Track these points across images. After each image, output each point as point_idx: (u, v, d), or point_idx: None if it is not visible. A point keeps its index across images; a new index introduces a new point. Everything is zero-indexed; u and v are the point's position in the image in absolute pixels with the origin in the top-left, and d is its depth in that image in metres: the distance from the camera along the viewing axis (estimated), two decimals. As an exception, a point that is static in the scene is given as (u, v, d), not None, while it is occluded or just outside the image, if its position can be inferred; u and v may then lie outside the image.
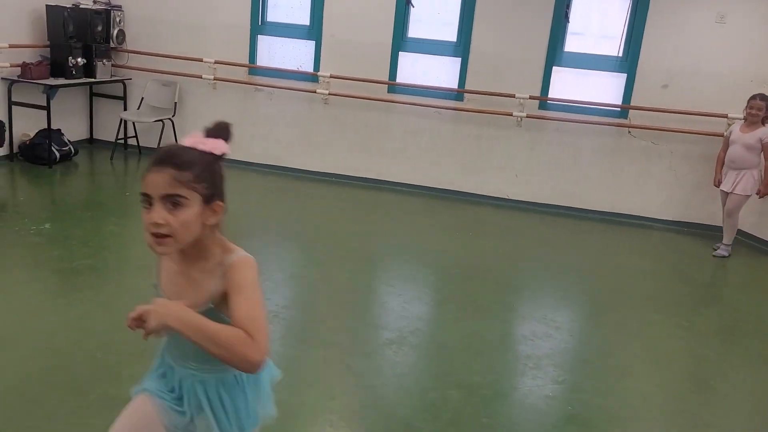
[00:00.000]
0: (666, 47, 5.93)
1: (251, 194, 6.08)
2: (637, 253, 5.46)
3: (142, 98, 6.84)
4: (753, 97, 5.27)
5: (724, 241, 5.46)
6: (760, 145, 5.17)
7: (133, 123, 6.83)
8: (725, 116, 5.82)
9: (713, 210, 6.02)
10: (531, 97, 6.18)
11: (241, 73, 6.74)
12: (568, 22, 6.11)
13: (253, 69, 6.71)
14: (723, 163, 5.45)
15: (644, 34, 5.94)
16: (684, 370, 3.50)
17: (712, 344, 3.84)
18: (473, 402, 2.90)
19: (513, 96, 6.18)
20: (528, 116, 6.21)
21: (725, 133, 5.49)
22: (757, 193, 5.28)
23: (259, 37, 6.67)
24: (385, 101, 6.49)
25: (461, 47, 6.29)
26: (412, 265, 4.70)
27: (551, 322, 3.87)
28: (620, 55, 6.09)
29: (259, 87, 6.73)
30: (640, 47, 5.97)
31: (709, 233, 5.91)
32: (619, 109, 6.12)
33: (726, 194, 5.38)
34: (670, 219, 6.18)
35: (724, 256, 5.42)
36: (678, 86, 5.97)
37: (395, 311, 3.85)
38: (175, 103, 6.75)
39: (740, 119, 5.54)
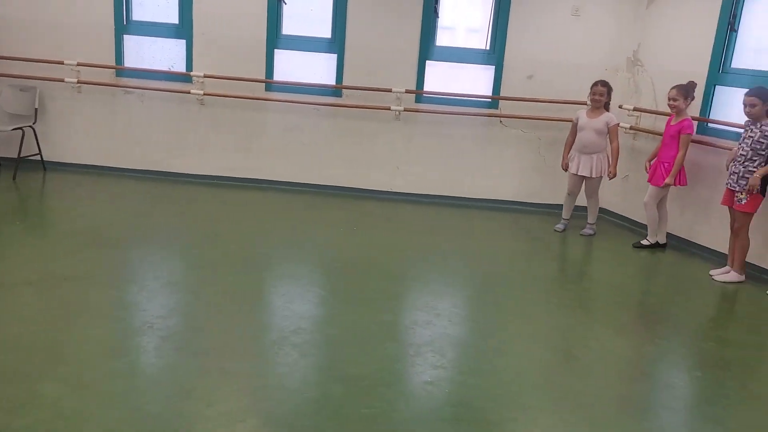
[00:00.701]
0: (528, 39, 6.24)
1: (126, 202, 5.82)
2: (514, 236, 5.73)
3: (-2, 105, 6.36)
4: (595, 84, 5.59)
5: (589, 221, 5.85)
6: (607, 129, 5.55)
7: (-11, 132, 6.34)
8: (584, 103, 6.20)
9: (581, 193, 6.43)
10: (407, 91, 6.31)
11: (108, 75, 6.42)
12: (438, 16, 6.29)
13: (121, 70, 6.41)
14: (570, 148, 5.76)
15: (508, 28, 6.22)
16: (554, 343, 3.72)
17: (579, 317, 4.11)
18: (354, 394, 2.95)
19: (390, 90, 6.29)
20: (405, 110, 6.35)
21: (573, 119, 5.80)
22: (608, 176, 5.66)
23: (125, 36, 6.38)
24: (262, 100, 6.41)
25: (336, 43, 6.31)
26: (296, 263, 4.68)
27: (432, 310, 3.98)
28: (488, 48, 6.35)
29: (129, 89, 6.44)
30: (506, 40, 6.25)
31: (578, 214, 6.31)
32: (490, 99, 6.39)
33: (580, 178, 5.72)
34: (543, 202, 6.53)
35: (590, 235, 5.80)
36: (542, 76, 6.31)
37: (278, 312, 3.83)
38: (36, 109, 6.33)
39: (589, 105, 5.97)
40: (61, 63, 6.26)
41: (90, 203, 5.71)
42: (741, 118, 5.11)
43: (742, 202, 4.73)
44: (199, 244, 4.87)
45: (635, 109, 6.04)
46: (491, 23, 6.30)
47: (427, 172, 6.56)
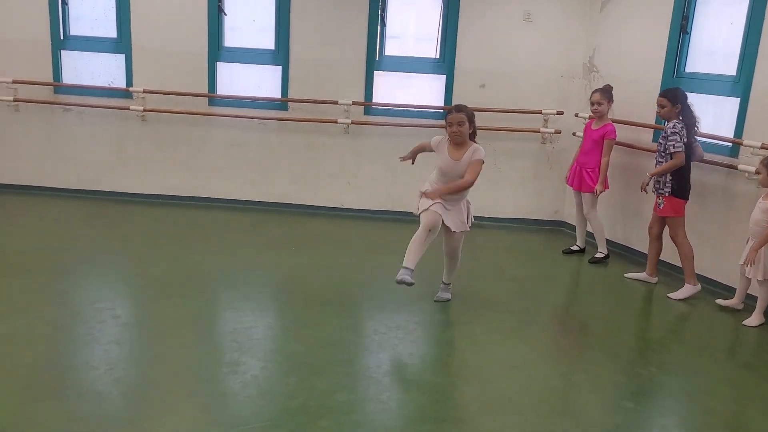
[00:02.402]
0: (480, 47, 5.98)
1: (57, 224, 5.57)
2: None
3: (-70, 125, 6.13)
4: (450, 111, 4.04)
5: (445, 280, 4.37)
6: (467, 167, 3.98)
7: None
8: (539, 112, 5.94)
9: (540, 205, 6.16)
10: (354, 103, 6.05)
11: (46, 93, 6.19)
12: (385, 25, 6.05)
13: (59, 87, 6.17)
14: (419, 150, 4.40)
15: (458, 35, 5.97)
16: (478, 374, 3.40)
17: (512, 342, 3.80)
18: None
19: (336, 103, 6.03)
20: (354, 122, 6.08)
21: (432, 145, 4.18)
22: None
23: (63, 52, 6.14)
24: (205, 115, 6.16)
25: (281, 55, 6.07)
26: (221, 289, 4.39)
27: (344, 343, 3.69)
28: (438, 56, 6.09)
29: (68, 107, 6.20)
30: (456, 48, 5.99)
31: (536, 228, 6.03)
32: (441, 110, 6.11)
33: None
34: (499, 216, 6.23)
35: (447, 300, 4.43)
36: (495, 85, 6.04)
37: (170, 347, 3.55)
38: (-30, 128, 6.10)
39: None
40: (-4, 81, 6.04)
41: (22, 226, 5.45)
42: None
43: (660, 207, 4.60)
44: (124, 270, 4.60)
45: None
46: (440, 31, 6.05)
47: (379, 187, 6.29)
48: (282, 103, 6.16)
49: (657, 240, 4.76)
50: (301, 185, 6.32)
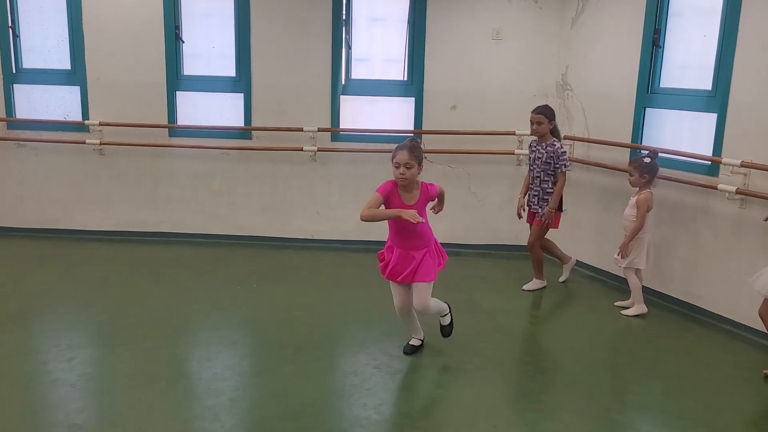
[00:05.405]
0: (448, 68, 5.76)
1: (10, 266, 5.28)
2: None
3: None
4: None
5: None
6: None
7: None
8: (513, 133, 5.70)
9: (518, 230, 5.87)
10: (320, 130, 5.80)
11: (-2, 128, 5.95)
12: (350, 48, 5.82)
13: (12, 122, 5.93)
14: None
15: (425, 56, 5.74)
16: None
17: (477, 388, 3.50)
18: None
19: (301, 130, 5.79)
20: (320, 150, 5.83)
21: None
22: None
23: (15, 86, 5.91)
24: (166, 146, 5.91)
25: (242, 82, 5.83)
26: (164, 334, 4.09)
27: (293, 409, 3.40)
28: (406, 79, 5.86)
29: (21, 142, 5.95)
30: (424, 70, 5.76)
31: (516, 254, 5.75)
32: (412, 134, 5.86)
33: None
34: (476, 243, 5.96)
35: None
36: (466, 106, 5.80)
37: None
38: None
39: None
40: (-55, 118, 5.80)
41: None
42: (673, 143, 4.63)
43: (540, 218, 4.78)
44: (74, 315, 4.30)
45: (566, 138, 5.50)
46: (407, 52, 5.82)
47: (350, 216, 6.00)
48: (245, 132, 5.91)
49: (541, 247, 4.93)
50: (269, 216, 6.05)
